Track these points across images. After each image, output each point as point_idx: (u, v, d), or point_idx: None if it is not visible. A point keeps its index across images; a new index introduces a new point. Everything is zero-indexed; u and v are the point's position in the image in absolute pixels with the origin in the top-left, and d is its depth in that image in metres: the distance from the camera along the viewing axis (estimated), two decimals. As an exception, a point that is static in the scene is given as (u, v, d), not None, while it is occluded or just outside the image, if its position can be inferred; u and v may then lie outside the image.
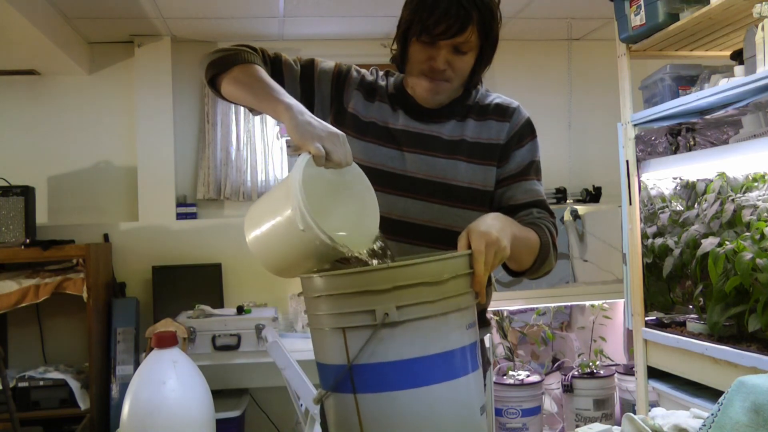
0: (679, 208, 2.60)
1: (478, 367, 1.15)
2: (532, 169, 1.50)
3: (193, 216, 4.00)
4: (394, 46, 1.45)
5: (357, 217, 1.22)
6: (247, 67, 1.35)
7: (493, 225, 1.18)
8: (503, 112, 1.50)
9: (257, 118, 4.02)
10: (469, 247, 1.15)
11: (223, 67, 1.36)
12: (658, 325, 2.57)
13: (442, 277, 1.08)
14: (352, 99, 1.48)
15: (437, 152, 1.45)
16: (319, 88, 1.48)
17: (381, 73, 1.55)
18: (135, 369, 3.48)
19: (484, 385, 1.26)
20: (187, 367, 1.11)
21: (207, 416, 1.10)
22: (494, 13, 1.37)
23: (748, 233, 2.14)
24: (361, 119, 1.46)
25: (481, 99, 1.52)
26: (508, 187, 1.48)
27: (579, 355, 3.81)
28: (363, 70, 1.53)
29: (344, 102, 1.48)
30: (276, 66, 1.45)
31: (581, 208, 4.04)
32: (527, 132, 1.51)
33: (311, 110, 1.29)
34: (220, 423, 3.58)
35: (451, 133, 1.47)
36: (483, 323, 1.49)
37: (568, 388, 3.64)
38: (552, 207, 4.44)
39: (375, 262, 1.17)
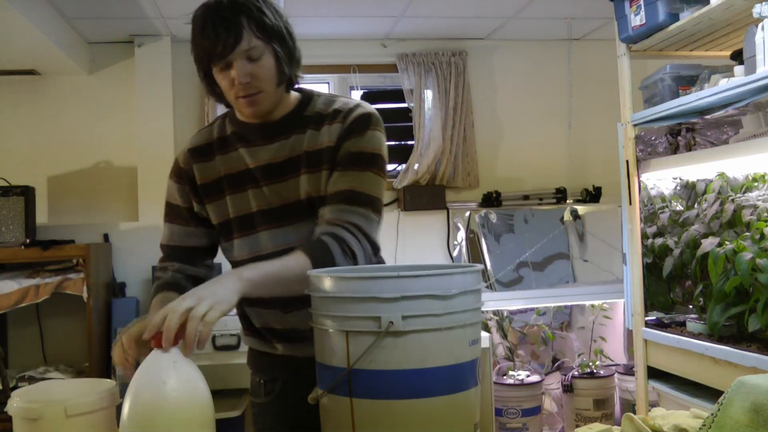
0: (679, 208, 2.60)
1: (477, 384, 1.15)
2: (358, 161, 1.41)
3: (193, 216, 4.00)
4: (207, 88, 1.48)
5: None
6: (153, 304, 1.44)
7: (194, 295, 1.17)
8: (339, 115, 1.45)
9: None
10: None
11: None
12: (658, 325, 2.57)
13: (450, 292, 1.08)
14: (196, 173, 1.53)
15: (283, 176, 1.47)
16: (184, 200, 1.55)
17: (209, 123, 1.61)
18: (135, 369, 3.48)
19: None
20: (187, 367, 1.11)
21: (207, 416, 1.10)
22: (262, 9, 1.38)
23: (748, 233, 2.14)
24: (207, 183, 1.52)
25: (323, 107, 1.49)
26: (329, 178, 1.43)
27: (579, 355, 3.81)
28: (186, 145, 1.58)
29: (195, 181, 1.53)
30: (172, 252, 1.56)
31: (581, 208, 4.04)
32: (357, 126, 1.43)
33: (206, 216, 1.53)
34: (220, 423, 3.57)
35: (292, 149, 1.47)
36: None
37: (568, 388, 3.64)
38: (552, 207, 4.45)
39: None
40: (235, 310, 1.47)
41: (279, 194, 1.47)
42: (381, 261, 1.60)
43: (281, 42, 1.42)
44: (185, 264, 1.55)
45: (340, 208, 1.39)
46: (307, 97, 1.52)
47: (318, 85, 4.15)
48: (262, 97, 1.42)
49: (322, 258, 1.31)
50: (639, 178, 2.64)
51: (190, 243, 1.56)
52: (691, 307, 2.58)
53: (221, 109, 4.09)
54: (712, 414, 0.98)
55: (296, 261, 1.30)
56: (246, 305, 1.55)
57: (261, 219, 1.48)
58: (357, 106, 1.47)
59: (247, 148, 1.50)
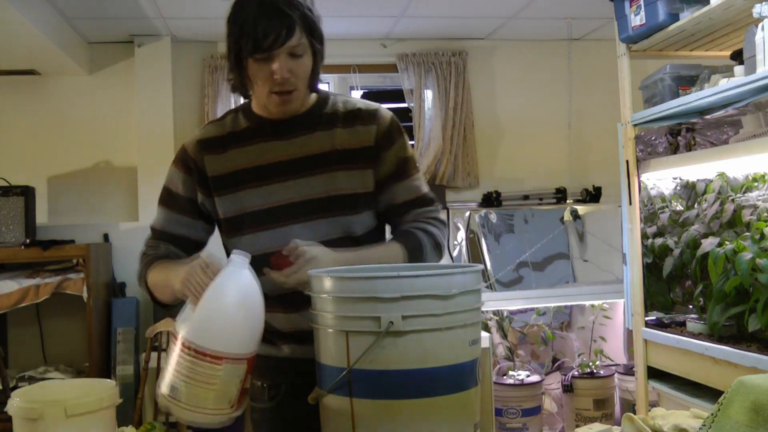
0: (679, 208, 2.60)
1: (477, 384, 1.15)
2: (407, 167, 1.54)
3: (193, 216, 3.99)
4: (231, 76, 1.47)
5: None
6: (149, 276, 1.52)
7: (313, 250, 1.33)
8: (366, 115, 1.53)
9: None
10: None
11: (147, 289, 1.54)
12: (658, 325, 2.57)
13: (450, 292, 1.08)
14: (206, 165, 1.52)
15: (316, 170, 1.48)
16: (186, 189, 1.54)
17: (218, 117, 1.59)
18: (135, 369, 3.48)
19: None
20: (250, 285, 1.22)
21: (257, 325, 1.23)
22: (312, 10, 1.45)
23: (748, 233, 2.14)
24: (223, 176, 1.51)
25: (344, 105, 1.55)
26: (389, 188, 1.53)
27: (579, 355, 3.81)
28: (194, 135, 1.57)
29: (205, 173, 1.52)
30: (161, 236, 1.58)
31: (581, 208, 4.04)
32: (394, 131, 1.54)
33: (208, 210, 1.51)
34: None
35: (321, 145, 1.50)
36: None
37: (568, 388, 3.64)
38: (552, 207, 4.45)
39: None
40: None
41: (309, 188, 1.48)
42: None
43: (321, 44, 1.47)
44: (177, 249, 1.56)
45: (417, 213, 1.53)
46: (324, 95, 1.56)
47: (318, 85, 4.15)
48: (295, 95, 1.45)
49: (415, 251, 1.45)
50: (639, 178, 2.64)
51: (183, 233, 1.55)
52: (691, 307, 2.58)
53: (221, 109, 4.12)
54: (712, 414, 0.98)
55: (390, 251, 1.44)
56: None
57: (287, 213, 1.48)
58: (379, 107, 1.56)
59: (266, 142, 1.50)
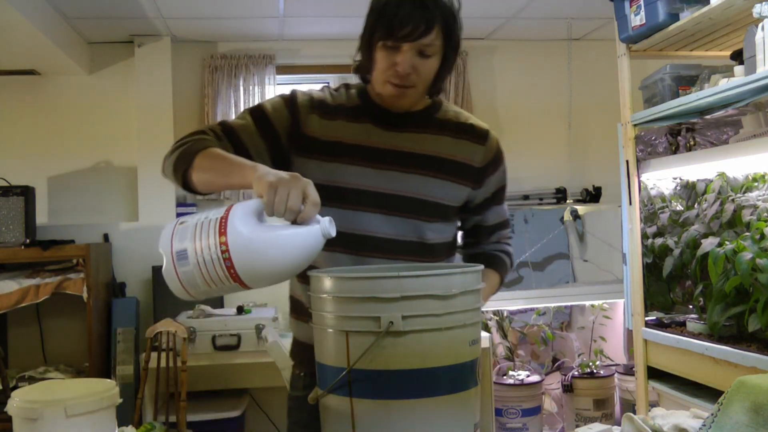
0: (679, 208, 2.60)
1: (477, 384, 1.15)
2: (503, 193, 1.61)
3: (193, 216, 4.00)
4: (358, 56, 1.46)
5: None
6: (207, 152, 1.32)
7: None
8: (477, 134, 1.54)
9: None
10: None
11: (187, 161, 1.32)
12: (658, 325, 2.57)
13: (450, 292, 1.08)
14: (309, 123, 1.47)
15: (412, 168, 1.47)
16: (281, 124, 1.46)
17: (333, 87, 1.56)
18: (135, 369, 3.49)
19: None
20: (311, 259, 1.15)
21: (292, 265, 1.13)
22: (456, 17, 1.40)
23: (748, 233, 2.14)
24: (321, 140, 1.46)
25: (455, 116, 1.55)
26: (483, 210, 1.58)
27: (579, 355, 3.81)
28: (310, 91, 1.53)
29: (301, 127, 1.47)
30: (230, 134, 1.43)
31: (581, 208, 4.04)
32: (500, 158, 1.57)
33: (283, 152, 1.44)
34: (220, 423, 3.56)
35: (426, 148, 1.48)
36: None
37: (568, 388, 3.64)
38: (552, 207, 4.45)
39: None
40: (288, 292, 1.61)
41: (400, 184, 1.45)
42: None
43: (454, 53, 1.43)
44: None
45: (500, 235, 1.64)
46: (438, 100, 1.55)
47: (318, 85, 4.15)
48: (411, 93, 1.42)
49: (503, 273, 1.62)
50: (639, 178, 2.64)
51: (248, 148, 1.43)
52: (691, 307, 2.58)
53: (221, 109, 4.11)
54: (712, 414, 0.98)
55: (493, 280, 1.57)
56: (303, 282, 1.49)
57: (369, 199, 1.44)
58: (489, 129, 1.57)
59: (373, 126, 1.48)
